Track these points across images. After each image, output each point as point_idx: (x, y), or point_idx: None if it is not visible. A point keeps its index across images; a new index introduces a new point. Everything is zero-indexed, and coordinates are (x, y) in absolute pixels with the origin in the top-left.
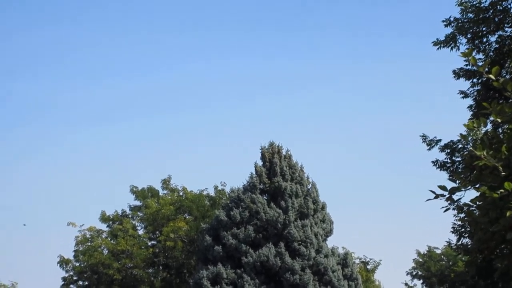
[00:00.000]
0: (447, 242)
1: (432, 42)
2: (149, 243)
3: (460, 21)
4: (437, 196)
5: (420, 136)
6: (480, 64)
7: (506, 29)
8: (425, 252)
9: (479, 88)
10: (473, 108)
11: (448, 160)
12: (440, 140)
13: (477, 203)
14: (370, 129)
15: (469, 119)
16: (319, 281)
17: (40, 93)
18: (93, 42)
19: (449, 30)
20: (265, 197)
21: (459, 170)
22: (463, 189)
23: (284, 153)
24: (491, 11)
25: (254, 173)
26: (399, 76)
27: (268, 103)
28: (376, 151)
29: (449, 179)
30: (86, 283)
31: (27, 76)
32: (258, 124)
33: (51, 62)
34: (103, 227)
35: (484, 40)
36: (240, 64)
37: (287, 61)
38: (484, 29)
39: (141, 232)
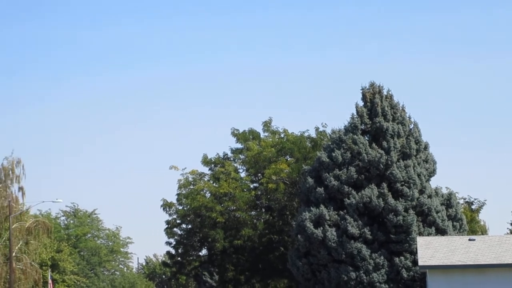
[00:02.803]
0: None
1: None
2: (251, 186)
3: None
4: None
5: None
6: None
7: None
8: None
9: None
10: None
11: None
12: None
13: None
14: (472, 67)
15: None
16: (423, 221)
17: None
18: None
19: None
20: (366, 138)
21: None
22: None
23: (385, 93)
24: None
25: (355, 113)
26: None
27: (366, 43)
28: (480, 88)
29: None
30: (189, 226)
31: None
32: (358, 64)
33: None
34: (205, 170)
35: None
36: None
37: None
38: None
39: (243, 174)
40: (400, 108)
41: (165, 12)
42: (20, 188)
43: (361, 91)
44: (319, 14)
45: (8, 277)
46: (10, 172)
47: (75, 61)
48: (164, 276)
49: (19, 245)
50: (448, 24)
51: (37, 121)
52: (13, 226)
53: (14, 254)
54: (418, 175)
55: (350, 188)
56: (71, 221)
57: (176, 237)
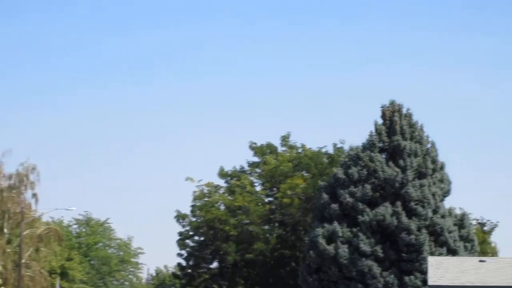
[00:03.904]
0: None
1: None
2: (266, 200)
3: None
4: None
5: None
6: None
7: None
8: None
9: None
10: None
11: None
12: None
13: None
14: (492, 88)
15: None
16: (435, 241)
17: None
18: None
19: None
20: (383, 156)
21: None
22: None
23: (404, 111)
24: None
25: (373, 131)
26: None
27: (388, 61)
28: (496, 110)
29: None
30: (202, 238)
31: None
32: (377, 83)
33: None
34: (221, 182)
35: None
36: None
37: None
38: None
39: (258, 188)
40: (419, 127)
41: (185, 19)
42: (34, 195)
43: (381, 109)
44: (342, 31)
45: (17, 283)
46: (25, 178)
47: (89, 69)
48: None
49: (29, 252)
50: (469, 45)
51: (54, 129)
52: (24, 233)
53: (23, 260)
54: (433, 195)
55: (365, 206)
56: (83, 230)
57: (188, 249)
